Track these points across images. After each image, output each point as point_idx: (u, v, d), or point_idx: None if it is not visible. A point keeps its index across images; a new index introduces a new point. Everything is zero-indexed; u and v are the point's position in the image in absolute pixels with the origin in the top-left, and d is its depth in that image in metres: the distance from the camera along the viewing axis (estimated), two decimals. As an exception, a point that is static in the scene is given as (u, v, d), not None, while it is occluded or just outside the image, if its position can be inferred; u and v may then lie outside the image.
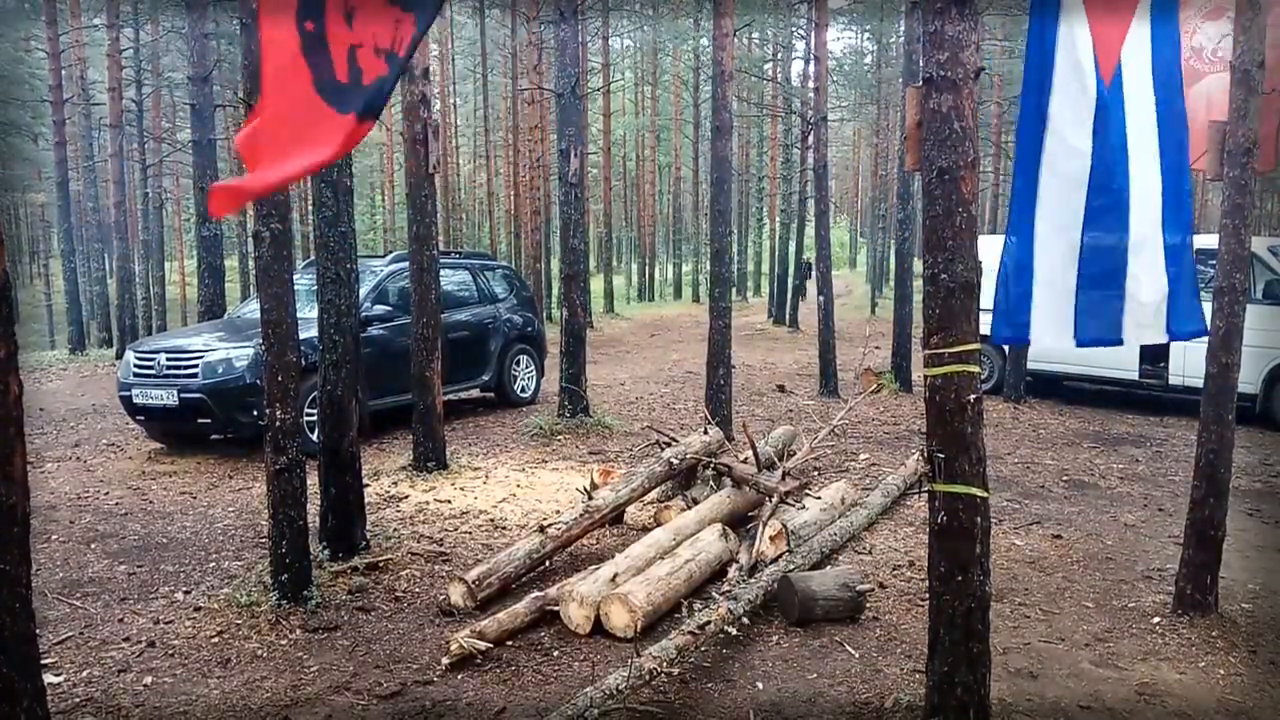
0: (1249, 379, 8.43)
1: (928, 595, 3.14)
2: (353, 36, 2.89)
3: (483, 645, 3.95)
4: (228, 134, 23.03)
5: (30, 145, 27.13)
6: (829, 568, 4.84)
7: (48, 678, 3.51)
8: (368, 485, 6.04)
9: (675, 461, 5.72)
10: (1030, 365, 10.82)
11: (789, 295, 22.12)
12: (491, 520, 6.09)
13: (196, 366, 7.57)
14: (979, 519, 2.93)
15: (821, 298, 11.65)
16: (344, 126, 2.87)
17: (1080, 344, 3.35)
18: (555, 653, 4.07)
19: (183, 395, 7.50)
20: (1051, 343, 3.43)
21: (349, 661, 4.00)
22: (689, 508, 5.52)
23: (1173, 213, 3.36)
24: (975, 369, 2.92)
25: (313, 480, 5.14)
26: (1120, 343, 3.48)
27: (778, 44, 26.99)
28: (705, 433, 6.18)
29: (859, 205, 47.65)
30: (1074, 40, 3.12)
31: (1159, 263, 3.33)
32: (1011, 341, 3.65)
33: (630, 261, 40.65)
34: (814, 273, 15.31)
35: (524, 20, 20.96)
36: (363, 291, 7.63)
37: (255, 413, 7.25)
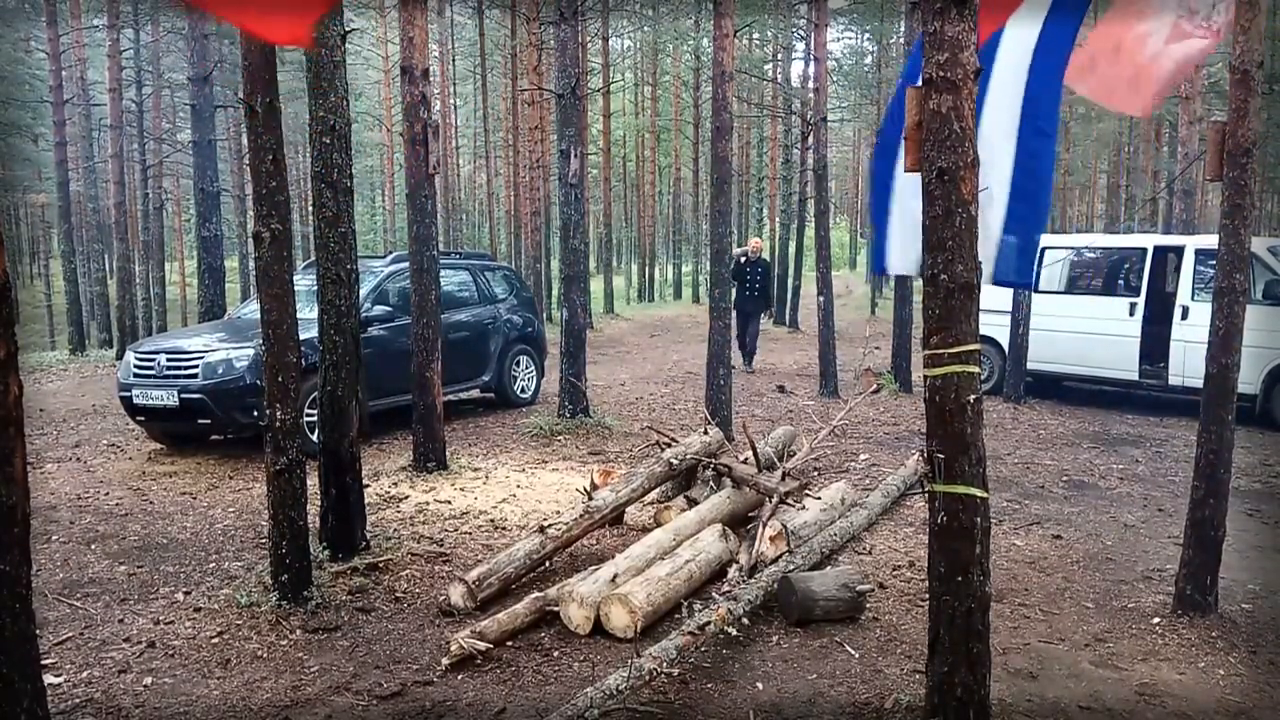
0: (1249, 379, 8.43)
1: (928, 595, 3.14)
2: None
3: (483, 646, 3.96)
4: (228, 134, 23.09)
5: (30, 145, 27.16)
6: (829, 568, 4.84)
7: (48, 678, 3.51)
8: (368, 485, 6.04)
9: (675, 462, 5.72)
10: (1030, 365, 10.81)
11: (789, 295, 22.10)
12: (491, 521, 6.09)
13: (197, 367, 7.57)
14: (979, 519, 2.93)
15: (821, 298, 11.65)
16: None
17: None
18: (555, 653, 4.07)
19: (183, 396, 7.50)
20: (899, 270, 3.88)
21: (349, 662, 4.00)
22: (689, 508, 5.52)
23: (1025, 175, 3.61)
24: (975, 369, 2.92)
25: (313, 481, 5.15)
26: None
27: (778, 44, 26.98)
28: (705, 433, 6.18)
29: (859, 205, 47.64)
30: None
31: (998, 219, 3.64)
32: (879, 272, 4.30)
33: (630, 262, 40.60)
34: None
35: (524, 21, 20.97)
36: (363, 292, 7.62)
37: (255, 413, 7.25)
